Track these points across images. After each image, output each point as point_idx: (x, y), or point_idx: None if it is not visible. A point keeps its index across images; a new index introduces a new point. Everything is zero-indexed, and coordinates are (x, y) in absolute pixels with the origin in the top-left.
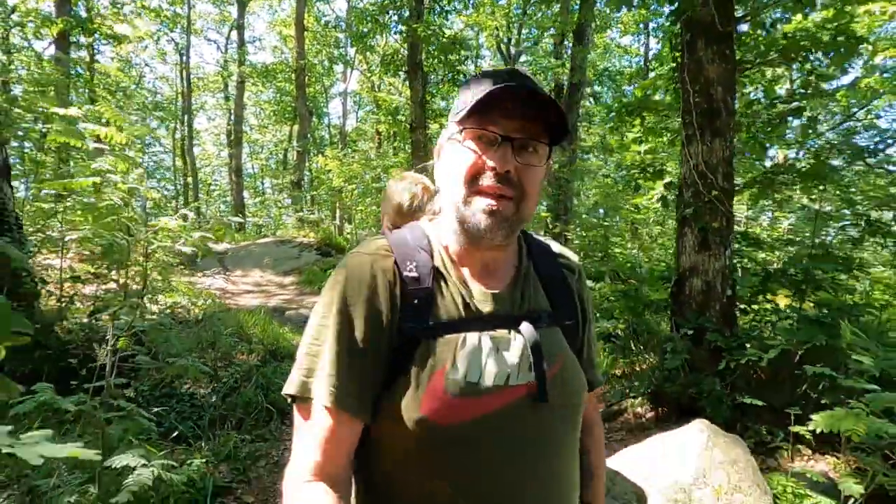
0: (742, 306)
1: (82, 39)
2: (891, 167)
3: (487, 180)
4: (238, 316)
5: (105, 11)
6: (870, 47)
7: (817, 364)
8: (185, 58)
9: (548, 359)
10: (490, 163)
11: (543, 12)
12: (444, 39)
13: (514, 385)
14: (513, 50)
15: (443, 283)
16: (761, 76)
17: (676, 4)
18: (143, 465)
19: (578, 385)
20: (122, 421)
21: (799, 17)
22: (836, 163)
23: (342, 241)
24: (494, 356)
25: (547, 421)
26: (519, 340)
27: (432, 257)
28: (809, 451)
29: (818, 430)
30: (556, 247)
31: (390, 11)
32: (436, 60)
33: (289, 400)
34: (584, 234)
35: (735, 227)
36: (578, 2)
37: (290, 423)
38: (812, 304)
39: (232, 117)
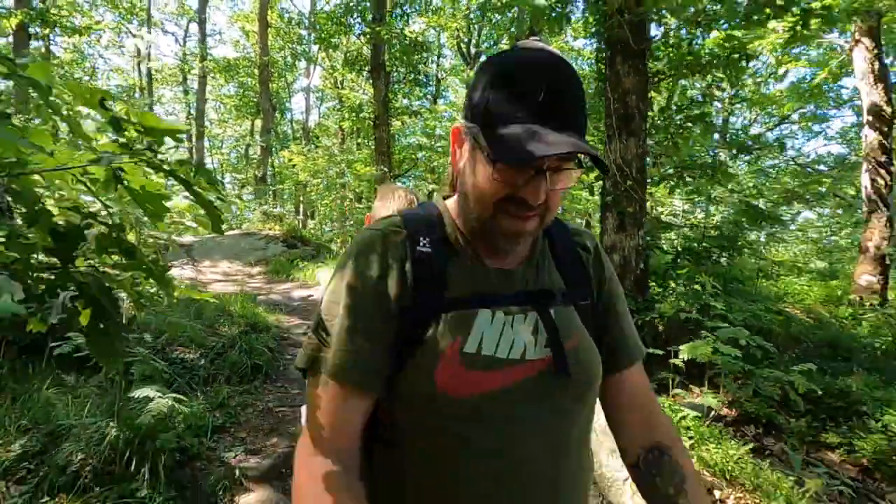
0: (658, 280)
1: (39, 31)
2: (822, 167)
3: (517, 208)
4: (219, 296)
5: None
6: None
7: (705, 319)
8: (145, 50)
9: (562, 335)
10: (523, 192)
11: (503, 15)
12: (406, 42)
13: (531, 359)
14: (473, 50)
15: (456, 260)
16: (675, 86)
17: (596, 28)
18: (160, 397)
19: (594, 364)
20: (139, 365)
21: (713, 34)
22: (752, 158)
23: (307, 234)
24: (509, 331)
25: (563, 397)
26: (532, 316)
27: (445, 234)
28: (699, 390)
29: (686, 358)
30: (570, 226)
31: (355, 14)
32: (398, 61)
33: (301, 374)
34: None
35: (670, 215)
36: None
37: (272, 380)
38: (710, 276)
39: (192, 111)
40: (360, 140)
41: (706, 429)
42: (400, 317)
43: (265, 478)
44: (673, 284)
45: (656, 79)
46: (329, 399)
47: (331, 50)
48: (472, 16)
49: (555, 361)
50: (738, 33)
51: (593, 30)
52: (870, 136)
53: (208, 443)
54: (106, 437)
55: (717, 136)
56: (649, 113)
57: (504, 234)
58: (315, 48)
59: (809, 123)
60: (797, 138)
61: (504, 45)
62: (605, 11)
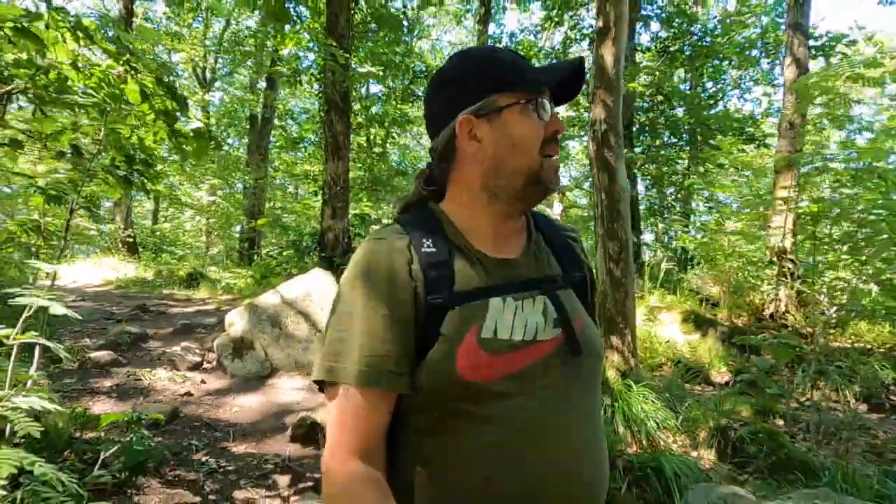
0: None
1: None
2: None
3: (552, 144)
4: None
5: None
6: None
7: None
8: None
9: (570, 317)
10: (553, 126)
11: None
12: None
13: (543, 340)
14: (209, 75)
15: (460, 255)
16: (369, 132)
17: (319, 92)
18: None
19: (599, 344)
20: None
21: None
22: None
23: None
24: (521, 314)
25: (579, 373)
26: (540, 300)
27: (445, 233)
28: None
29: None
30: (555, 220)
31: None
32: None
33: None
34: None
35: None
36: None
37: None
38: None
39: None
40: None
41: None
42: (415, 316)
43: None
44: None
45: (358, 127)
46: (354, 405)
47: None
48: (208, 43)
49: (567, 341)
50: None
51: (317, 91)
52: None
53: None
54: None
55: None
56: (353, 147)
57: (553, 177)
58: None
59: None
60: None
61: (243, 74)
62: (324, 81)
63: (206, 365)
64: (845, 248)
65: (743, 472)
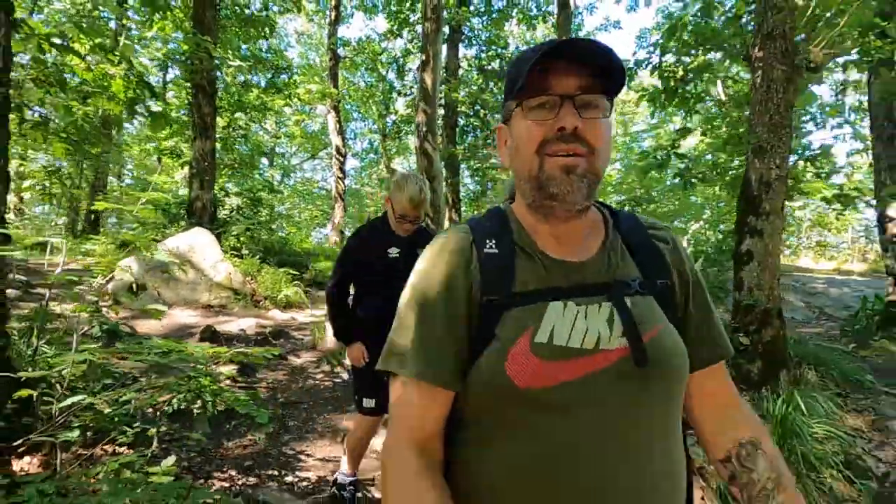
0: (220, 218)
1: None
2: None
3: (557, 142)
4: None
5: None
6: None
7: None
8: None
9: (641, 325)
10: (557, 124)
11: None
12: None
13: (606, 349)
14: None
15: (524, 257)
16: (231, 117)
17: (186, 76)
18: None
19: (678, 354)
20: None
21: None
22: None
23: None
24: (582, 321)
25: (643, 390)
26: (607, 307)
27: (512, 234)
28: None
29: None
30: (643, 219)
31: None
32: None
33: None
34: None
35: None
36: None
37: None
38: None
39: None
40: None
41: None
42: (471, 315)
43: None
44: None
45: (223, 110)
46: (410, 398)
47: None
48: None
49: (632, 352)
50: (263, 95)
51: (186, 77)
52: (335, 166)
53: None
54: None
55: (265, 159)
56: (217, 128)
57: (557, 178)
58: None
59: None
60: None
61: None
62: (191, 70)
63: (102, 303)
64: None
65: None
